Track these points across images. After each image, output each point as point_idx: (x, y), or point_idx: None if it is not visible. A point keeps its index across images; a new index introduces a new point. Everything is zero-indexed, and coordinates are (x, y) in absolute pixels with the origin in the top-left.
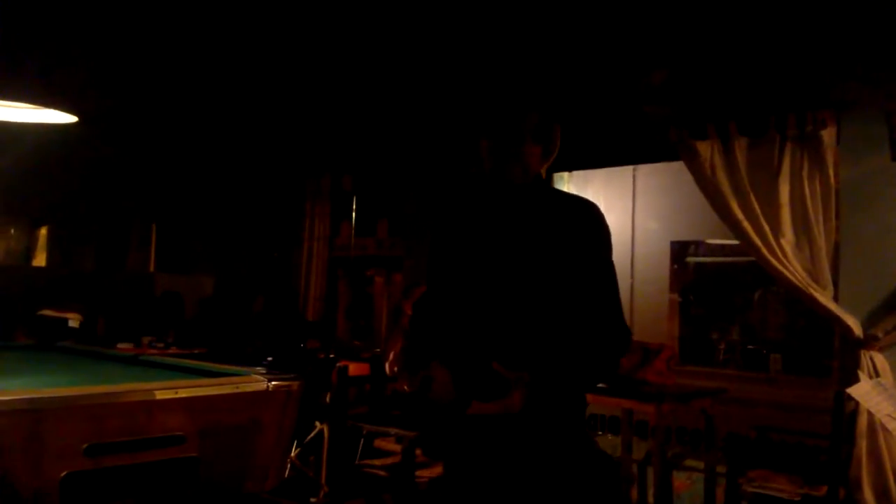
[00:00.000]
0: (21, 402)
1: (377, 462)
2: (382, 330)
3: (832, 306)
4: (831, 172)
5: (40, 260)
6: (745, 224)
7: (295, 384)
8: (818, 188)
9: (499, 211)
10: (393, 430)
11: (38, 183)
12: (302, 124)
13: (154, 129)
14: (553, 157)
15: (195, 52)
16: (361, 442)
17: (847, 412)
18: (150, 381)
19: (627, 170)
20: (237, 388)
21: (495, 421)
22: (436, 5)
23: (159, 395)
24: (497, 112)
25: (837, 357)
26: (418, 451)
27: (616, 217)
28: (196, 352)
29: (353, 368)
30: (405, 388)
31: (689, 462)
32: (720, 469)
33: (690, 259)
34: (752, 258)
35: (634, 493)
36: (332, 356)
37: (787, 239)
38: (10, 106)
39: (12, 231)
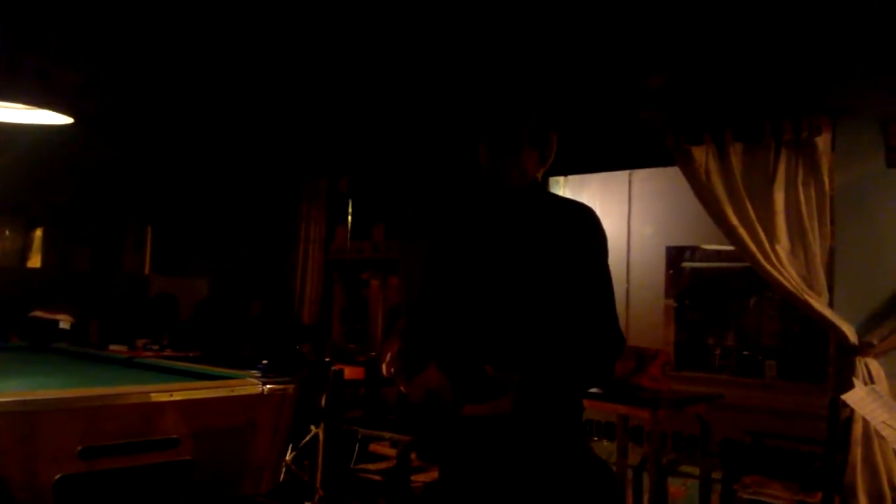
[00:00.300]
0: (15, 403)
1: (372, 466)
2: (378, 333)
3: (827, 312)
4: (826, 179)
5: (35, 261)
6: (741, 230)
7: (290, 387)
8: (813, 194)
9: (495, 215)
10: (388, 435)
11: (33, 184)
12: (298, 127)
13: (151, 131)
14: (549, 161)
15: (192, 53)
16: (356, 446)
17: (842, 419)
18: (144, 384)
19: (623, 175)
20: (232, 391)
21: (490, 425)
22: (433, 9)
23: (154, 398)
24: (494, 116)
25: (832, 363)
26: (413, 456)
27: (612, 222)
28: (191, 355)
29: (349, 372)
30: (401, 389)
31: (685, 468)
32: (715, 475)
33: (686, 264)
34: (748, 264)
35: (630, 499)
36: (327, 360)
37: (783, 245)
38: (5, 107)
39: (7, 232)
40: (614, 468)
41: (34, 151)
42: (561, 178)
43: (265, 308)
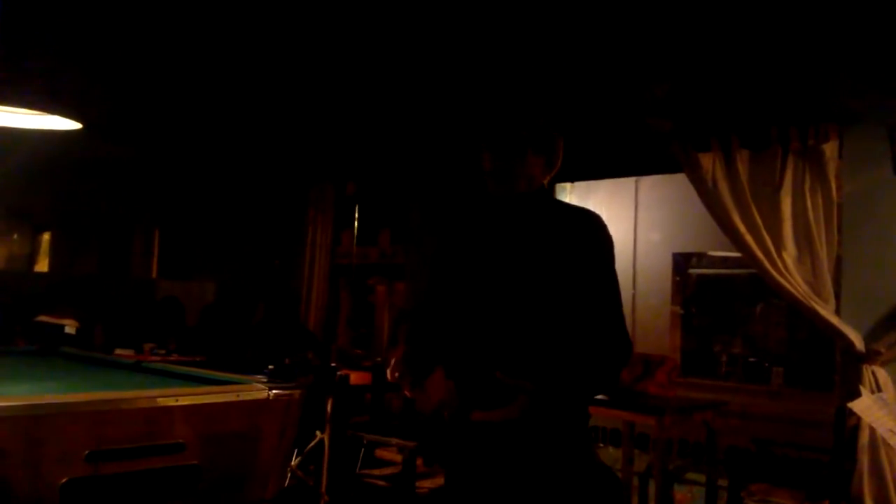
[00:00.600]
0: (22, 408)
1: (377, 472)
2: (384, 339)
3: (834, 320)
4: (833, 186)
5: (42, 265)
6: (747, 237)
7: (296, 393)
8: (820, 202)
9: (501, 221)
10: (394, 440)
11: (41, 188)
12: (305, 132)
13: (159, 136)
14: (556, 168)
15: (199, 58)
16: (362, 451)
17: (849, 427)
18: (151, 389)
19: (630, 181)
20: (238, 396)
21: (497, 431)
22: (439, 15)
23: (160, 403)
24: (498, 124)
25: (839, 371)
26: (419, 462)
27: (618, 229)
28: (197, 359)
29: (355, 377)
30: (406, 393)
31: (691, 475)
32: (721, 482)
33: (692, 271)
34: (754, 271)
35: None
36: (333, 365)
37: (789, 252)
38: (14, 112)
39: (15, 236)
40: (620, 475)
41: (42, 156)
42: (568, 185)
43: (268, 312)
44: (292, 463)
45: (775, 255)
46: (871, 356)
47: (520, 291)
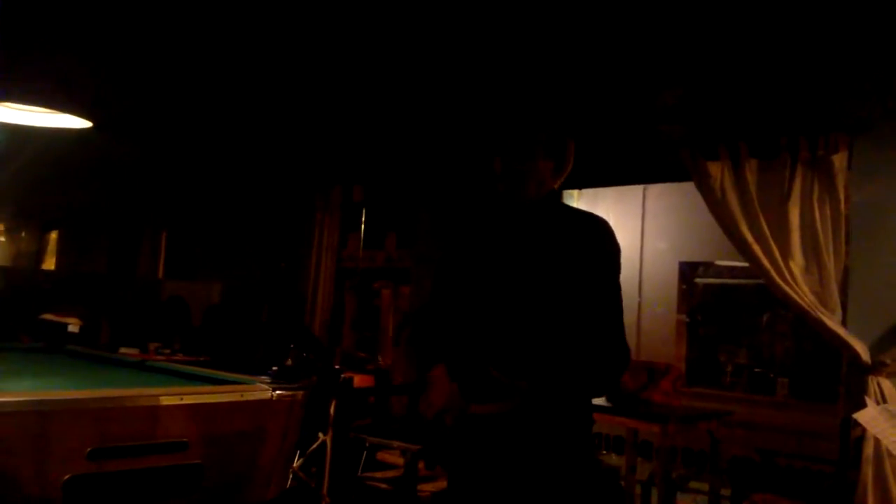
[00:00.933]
0: (27, 403)
1: (379, 475)
2: (388, 343)
3: (840, 331)
4: (842, 196)
5: (50, 264)
6: (755, 246)
7: (299, 394)
8: (828, 212)
9: (510, 225)
10: (396, 443)
11: (49, 188)
12: (313, 135)
13: (168, 137)
14: (566, 172)
15: (208, 61)
16: (364, 454)
17: (853, 438)
18: (155, 387)
19: (637, 189)
20: (242, 396)
21: (496, 429)
22: (450, 20)
23: (164, 401)
24: (509, 128)
25: (844, 382)
26: (421, 465)
27: (625, 237)
28: (202, 359)
29: (358, 380)
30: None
31: (694, 484)
32: (725, 492)
33: (699, 280)
34: (761, 280)
35: None
36: (337, 367)
37: (797, 262)
38: (25, 110)
39: (23, 234)
40: (623, 482)
41: (51, 156)
42: (575, 192)
43: (271, 314)
44: (294, 464)
45: (782, 265)
46: (877, 367)
47: (524, 294)
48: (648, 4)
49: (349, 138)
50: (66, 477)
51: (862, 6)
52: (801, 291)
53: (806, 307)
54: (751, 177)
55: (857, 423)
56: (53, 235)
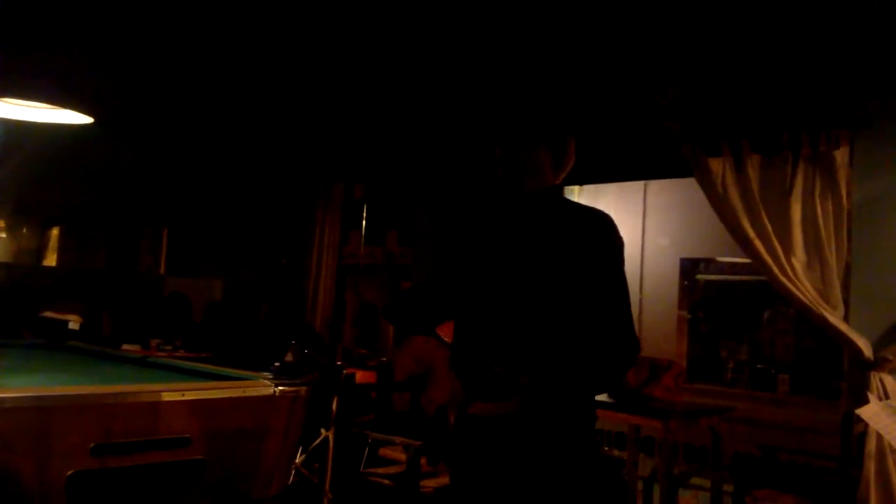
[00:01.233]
0: (29, 399)
1: (382, 470)
2: (389, 339)
3: (842, 327)
4: (844, 192)
5: (51, 260)
6: (756, 242)
7: (302, 390)
8: (830, 208)
9: (512, 219)
10: (398, 439)
11: (51, 184)
12: (315, 132)
13: (169, 134)
14: (568, 167)
15: (210, 57)
16: (366, 450)
17: (856, 434)
18: (157, 383)
19: (638, 185)
20: (244, 392)
21: (499, 426)
22: (451, 17)
23: (166, 397)
24: (509, 121)
25: (846, 378)
26: (423, 461)
27: (626, 233)
28: (204, 356)
29: (360, 376)
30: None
31: (696, 480)
32: (727, 488)
33: (700, 276)
34: (763, 277)
35: None
36: (339, 363)
37: (798, 258)
38: (26, 105)
39: (24, 230)
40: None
41: (52, 151)
42: (576, 188)
43: (272, 311)
44: (297, 460)
45: (784, 261)
46: (879, 363)
47: (528, 289)
48: (650, 1)
49: (351, 136)
50: (69, 473)
51: (863, 2)
52: (803, 287)
53: (808, 303)
54: (752, 173)
55: (859, 419)
56: (55, 232)
